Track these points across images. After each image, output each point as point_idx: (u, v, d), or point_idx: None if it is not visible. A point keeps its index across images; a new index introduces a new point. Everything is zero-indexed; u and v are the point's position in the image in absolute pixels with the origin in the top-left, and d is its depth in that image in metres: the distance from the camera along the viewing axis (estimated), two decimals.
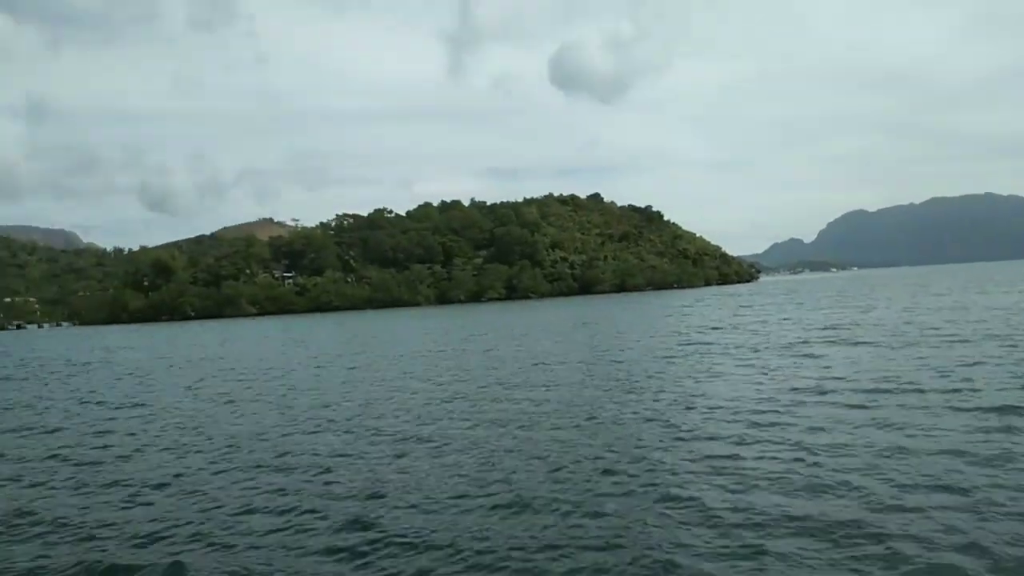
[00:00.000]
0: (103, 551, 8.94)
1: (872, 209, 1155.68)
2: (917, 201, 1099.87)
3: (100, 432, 17.74)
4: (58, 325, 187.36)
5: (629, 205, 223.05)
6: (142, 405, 22.38)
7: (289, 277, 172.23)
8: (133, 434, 17.13)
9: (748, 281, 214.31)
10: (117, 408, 22.07)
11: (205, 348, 52.60)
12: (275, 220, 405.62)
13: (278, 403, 20.79)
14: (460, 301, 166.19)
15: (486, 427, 15.28)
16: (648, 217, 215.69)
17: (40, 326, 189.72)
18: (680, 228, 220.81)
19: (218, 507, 10.54)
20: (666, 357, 27.07)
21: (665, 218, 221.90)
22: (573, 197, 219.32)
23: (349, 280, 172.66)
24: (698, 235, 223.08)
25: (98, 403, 23.68)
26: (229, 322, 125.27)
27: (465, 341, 43.36)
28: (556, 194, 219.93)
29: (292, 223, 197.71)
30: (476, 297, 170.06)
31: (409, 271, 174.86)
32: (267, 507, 10.36)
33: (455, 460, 12.50)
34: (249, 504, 10.57)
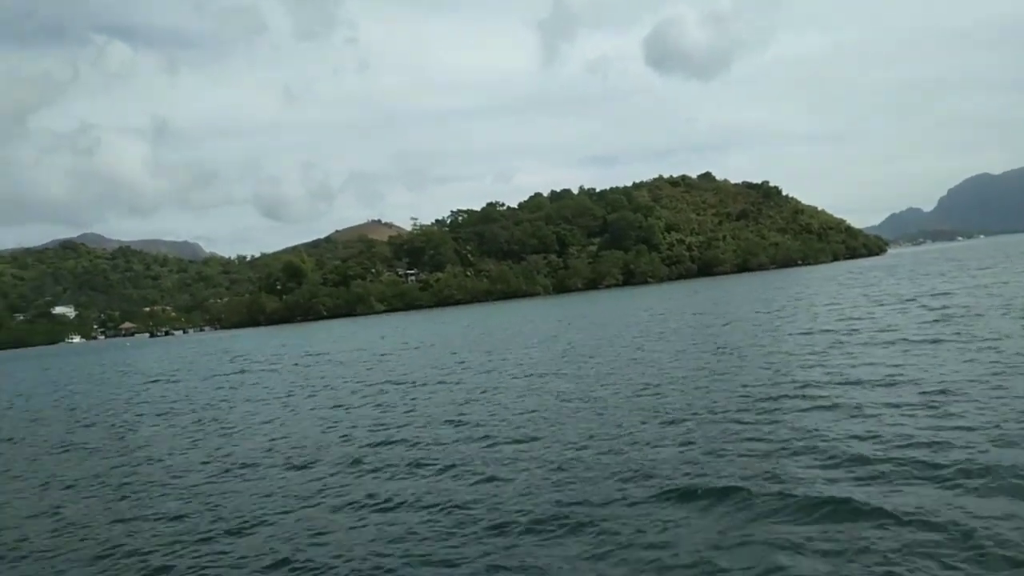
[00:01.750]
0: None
1: (997, 172, 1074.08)
2: None
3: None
4: (201, 330, 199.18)
5: (744, 182, 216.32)
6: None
7: (412, 274, 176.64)
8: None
9: (877, 254, 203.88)
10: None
11: (480, 334, 50.33)
12: (383, 221, 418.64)
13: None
14: (578, 289, 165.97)
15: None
16: (765, 193, 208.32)
17: (185, 331, 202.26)
18: (800, 203, 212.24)
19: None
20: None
21: (783, 193, 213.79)
22: (684, 178, 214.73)
23: (468, 274, 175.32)
24: (820, 208, 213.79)
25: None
26: (374, 318, 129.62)
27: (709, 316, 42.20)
28: (665, 176, 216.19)
29: (411, 221, 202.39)
30: (593, 284, 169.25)
31: (526, 262, 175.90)
32: None
33: None
34: None
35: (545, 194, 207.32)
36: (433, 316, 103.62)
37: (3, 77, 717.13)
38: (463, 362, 30.52)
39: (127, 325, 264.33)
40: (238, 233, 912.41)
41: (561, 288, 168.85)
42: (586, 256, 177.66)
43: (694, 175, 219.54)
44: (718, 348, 25.10)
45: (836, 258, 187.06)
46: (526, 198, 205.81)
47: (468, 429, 15.34)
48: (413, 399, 20.88)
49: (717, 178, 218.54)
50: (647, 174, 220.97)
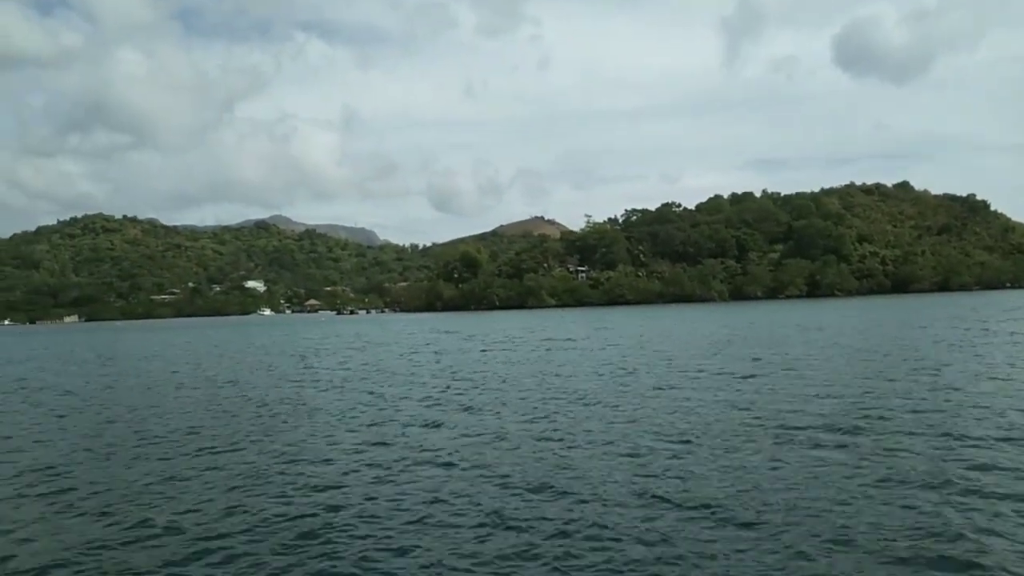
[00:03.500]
0: None
1: None
2: None
3: None
4: (381, 311, 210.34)
5: (945, 194, 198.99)
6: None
7: (582, 271, 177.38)
8: None
9: None
10: None
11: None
12: (546, 218, 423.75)
13: None
14: (756, 297, 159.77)
15: None
16: (971, 207, 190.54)
17: (367, 311, 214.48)
18: (1010, 220, 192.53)
19: None
20: None
21: (991, 208, 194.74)
22: (879, 186, 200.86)
23: (640, 274, 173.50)
24: None
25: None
26: (552, 311, 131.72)
27: None
28: (857, 183, 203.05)
29: (585, 218, 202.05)
30: (773, 294, 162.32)
31: (701, 265, 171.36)
32: None
33: None
34: None
35: (724, 196, 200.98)
36: (618, 314, 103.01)
37: (220, 69, 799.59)
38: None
39: (311, 302, 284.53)
40: (409, 223, 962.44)
41: (738, 295, 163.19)
42: (767, 263, 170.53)
43: (889, 183, 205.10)
44: None
45: None
46: (702, 199, 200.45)
47: None
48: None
49: (916, 188, 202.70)
50: (829, 181, 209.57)
